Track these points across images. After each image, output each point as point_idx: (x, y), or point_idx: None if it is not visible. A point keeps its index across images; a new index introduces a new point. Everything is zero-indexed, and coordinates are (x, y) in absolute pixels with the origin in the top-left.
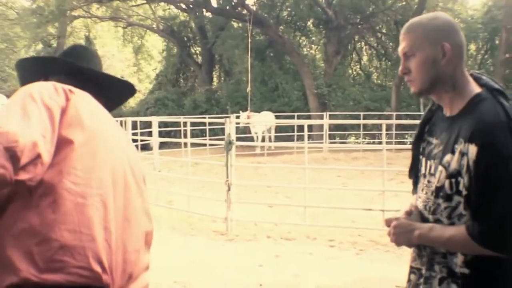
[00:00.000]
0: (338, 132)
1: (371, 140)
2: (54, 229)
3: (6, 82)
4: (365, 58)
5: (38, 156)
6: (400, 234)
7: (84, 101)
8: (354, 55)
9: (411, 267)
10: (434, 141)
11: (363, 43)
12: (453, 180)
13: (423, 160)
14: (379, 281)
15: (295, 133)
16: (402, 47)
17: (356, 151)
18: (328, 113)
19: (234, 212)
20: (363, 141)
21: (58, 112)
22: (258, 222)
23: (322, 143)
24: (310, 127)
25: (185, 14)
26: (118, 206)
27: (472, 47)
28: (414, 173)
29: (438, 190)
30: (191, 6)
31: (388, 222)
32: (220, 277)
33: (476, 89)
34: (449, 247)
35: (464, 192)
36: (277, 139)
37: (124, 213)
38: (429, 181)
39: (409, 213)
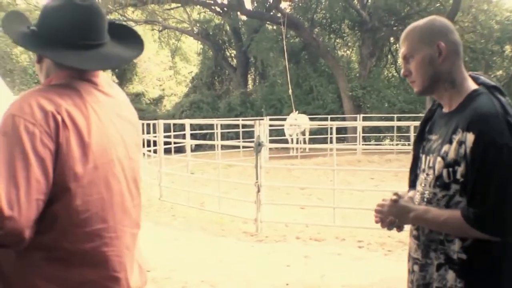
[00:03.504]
0: (373, 134)
1: (406, 142)
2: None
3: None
4: (400, 60)
5: (24, 238)
6: (396, 215)
7: (75, 132)
8: (389, 57)
9: (409, 256)
10: (433, 137)
11: (398, 45)
12: (450, 169)
13: (423, 157)
14: (405, 281)
15: (329, 136)
16: (401, 51)
17: (390, 153)
18: (362, 115)
19: (265, 213)
20: (398, 144)
21: (51, 161)
22: (289, 223)
23: (356, 145)
24: (345, 129)
25: (219, 17)
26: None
27: (508, 48)
28: (414, 171)
29: (436, 179)
30: (225, 9)
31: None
32: (246, 276)
33: (473, 86)
34: (444, 229)
35: (461, 180)
36: (312, 141)
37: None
38: (427, 174)
39: (401, 196)
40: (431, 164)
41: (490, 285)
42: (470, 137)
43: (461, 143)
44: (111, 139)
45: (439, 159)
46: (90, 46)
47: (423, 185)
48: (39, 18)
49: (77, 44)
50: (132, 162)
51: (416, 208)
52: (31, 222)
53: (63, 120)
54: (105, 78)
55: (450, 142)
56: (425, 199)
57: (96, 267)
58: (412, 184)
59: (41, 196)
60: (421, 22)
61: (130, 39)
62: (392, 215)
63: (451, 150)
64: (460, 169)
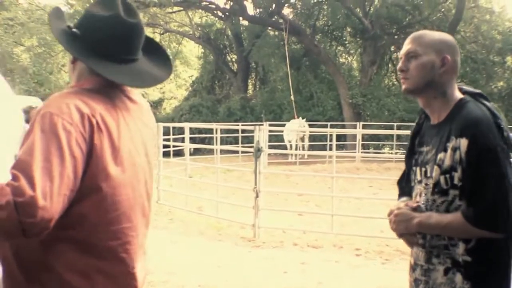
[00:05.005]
0: (372, 142)
1: (405, 151)
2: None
3: (42, 86)
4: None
5: (49, 227)
6: (400, 222)
7: (107, 136)
8: (390, 66)
9: (414, 265)
10: (425, 148)
11: (399, 54)
12: (447, 175)
13: (417, 169)
14: None
15: (328, 142)
16: (406, 48)
17: (389, 162)
18: (362, 123)
19: (263, 219)
20: (397, 152)
21: (82, 162)
22: (287, 229)
23: (355, 152)
24: (344, 137)
25: (221, 21)
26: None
27: (509, 59)
28: (404, 183)
29: (434, 187)
30: (227, 14)
31: (390, 212)
32: (244, 282)
33: (460, 96)
34: (447, 233)
35: (459, 184)
36: (312, 148)
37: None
38: (426, 184)
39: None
40: (428, 174)
41: (495, 283)
42: (464, 142)
43: (455, 149)
44: (136, 144)
45: (435, 167)
46: (127, 60)
47: (423, 195)
48: (83, 22)
49: (116, 57)
50: (150, 166)
51: (419, 215)
52: (57, 215)
53: (97, 123)
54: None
55: (445, 150)
56: (427, 207)
57: (119, 262)
58: (402, 195)
59: (68, 192)
60: (433, 32)
61: (157, 55)
62: (397, 223)
63: (446, 158)
64: (457, 174)
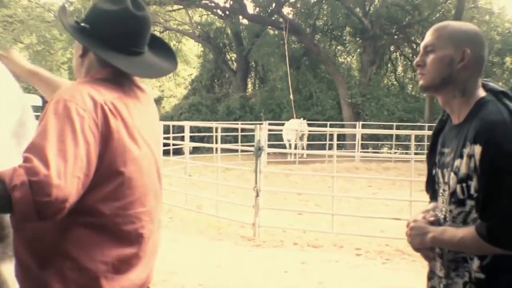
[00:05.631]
0: (371, 142)
1: (404, 151)
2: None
3: None
4: (400, 68)
5: (64, 208)
6: (415, 236)
7: (122, 122)
8: (389, 66)
9: (432, 272)
10: (446, 150)
11: (398, 54)
12: (463, 184)
13: (439, 171)
14: None
15: (327, 142)
16: (425, 41)
17: (388, 161)
18: (361, 122)
19: (263, 218)
20: (396, 152)
21: (94, 148)
22: (286, 228)
23: (354, 152)
24: (343, 137)
25: (221, 20)
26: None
27: (508, 59)
28: (431, 186)
29: (451, 196)
30: (227, 12)
31: (408, 224)
32: (244, 281)
33: (482, 94)
34: (461, 249)
35: (475, 195)
36: (310, 147)
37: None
38: (444, 190)
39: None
40: (446, 180)
41: None
42: (477, 149)
43: (470, 156)
44: (147, 132)
45: (452, 174)
46: (136, 52)
47: (442, 201)
48: (91, 17)
49: (125, 50)
50: (159, 153)
51: (434, 229)
52: (72, 197)
53: (110, 110)
54: None
55: (461, 156)
56: (443, 217)
57: (134, 247)
58: (432, 199)
59: (82, 175)
60: (456, 22)
61: (161, 49)
62: (412, 236)
63: (462, 165)
64: (473, 184)
